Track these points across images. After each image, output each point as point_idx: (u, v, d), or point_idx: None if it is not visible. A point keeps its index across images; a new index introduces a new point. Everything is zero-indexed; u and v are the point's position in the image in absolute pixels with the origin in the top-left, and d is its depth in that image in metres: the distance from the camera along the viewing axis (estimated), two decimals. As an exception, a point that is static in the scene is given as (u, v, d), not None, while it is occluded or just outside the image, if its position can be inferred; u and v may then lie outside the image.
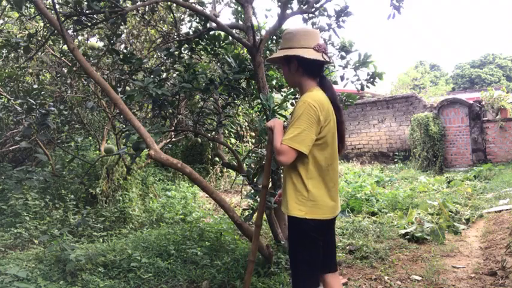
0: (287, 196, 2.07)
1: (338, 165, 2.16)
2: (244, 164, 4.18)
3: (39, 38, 5.01)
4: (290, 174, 2.08)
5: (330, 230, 2.20)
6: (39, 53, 5.88)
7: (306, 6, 4.06)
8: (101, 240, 4.97)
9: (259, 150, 3.62)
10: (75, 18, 3.27)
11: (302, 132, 1.92)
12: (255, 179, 3.36)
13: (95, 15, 3.54)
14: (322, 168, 2.03)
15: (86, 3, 3.20)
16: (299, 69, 2.09)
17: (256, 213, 2.52)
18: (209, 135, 4.31)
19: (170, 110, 3.78)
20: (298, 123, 1.93)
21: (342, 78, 4.35)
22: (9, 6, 4.29)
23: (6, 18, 5.75)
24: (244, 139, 10.34)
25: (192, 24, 4.59)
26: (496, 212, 5.95)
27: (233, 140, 10.09)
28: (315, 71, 2.10)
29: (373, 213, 6.13)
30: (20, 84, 6.15)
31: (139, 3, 3.80)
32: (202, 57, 4.93)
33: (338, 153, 2.15)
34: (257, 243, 2.50)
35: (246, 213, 3.94)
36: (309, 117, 1.92)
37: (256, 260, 3.62)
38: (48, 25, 5.18)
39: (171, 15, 5.00)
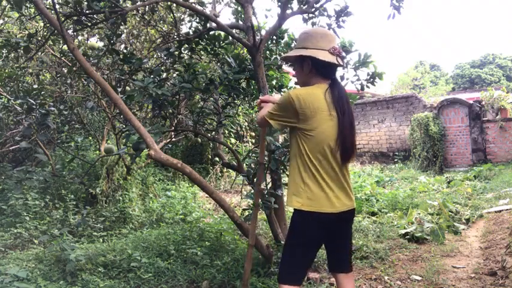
0: (288, 188, 2.13)
1: (343, 164, 2.08)
2: (244, 164, 4.18)
3: (39, 38, 5.01)
4: (291, 168, 2.13)
5: (336, 226, 2.10)
6: (39, 53, 5.88)
7: (306, 6, 4.05)
8: (101, 240, 4.97)
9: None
10: (75, 18, 3.27)
11: (276, 111, 2.10)
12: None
13: (95, 15, 3.54)
14: (317, 163, 2.02)
15: (86, 3, 3.20)
16: (312, 70, 2.10)
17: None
18: (209, 135, 4.31)
19: (170, 110, 3.78)
20: (275, 105, 2.14)
21: (342, 78, 4.34)
22: (9, 6, 4.30)
23: (6, 18, 5.75)
24: (244, 139, 10.35)
25: (192, 24, 4.59)
26: (496, 212, 5.95)
27: (233, 140, 10.10)
28: (327, 73, 2.10)
29: (373, 213, 6.13)
30: (20, 84, 6.15)
31: (139, 3, 3.80)
32: (202, 57, 4.93)
33: (346, 155, 2.05)
34: (255, 225, 2.53)
35: (246, 213, 3.94)
36: (283, 105, 2.06)
37: (256, 260, 3.63)
38: (48, 25, 5.18)
39: (171, 15, 4.99)
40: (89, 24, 3.55)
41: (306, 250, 2.07)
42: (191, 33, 3.98)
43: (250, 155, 4.11)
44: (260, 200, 3.47)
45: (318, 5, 4.09)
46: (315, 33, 2.12)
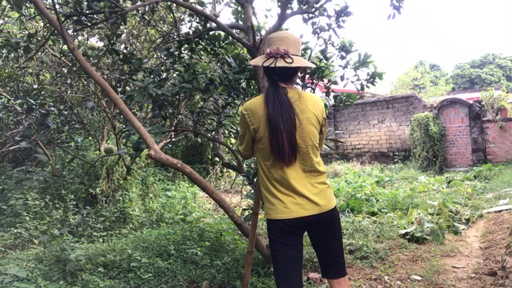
0: None
1: (293, 169, 2.02)
2: (244, 164, 4.18)
3: (39, 38, 5.01)
4: None
5: (310, 231, 2.10)
6: (39, 53, 5.88)
7: (306, 6, 4.05)
8: (101, 240, 4.97)
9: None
10: (75, 18, 3.27)
11: (240, 134, 2.18)
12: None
13: (95, 15, 3.54)
14: (267, 171, 2.06)
15: (86, 3, 3.20)
16: (265, 77, 2.15)
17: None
18: (209, 135, 4.31)
19: (170, 110, 3.78)
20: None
21: (342, 78, 4.33)
22: (9, 6, 4.29)
23: (6, 18, 5.75)
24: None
25: (192, 24, 4.59)
26: (496, 212, 5.95)
27: (233, 140, 10.08)
28: (269, 77, 2.06)
29: (373, 213, 6.13)
30: (20, 84, 6.15)
31: (139, 3, 3.79)
32: (202, 57, 4.92)
33: (284, 158, 1.99)
34: (255, 232, 2.53)
35: (246, 213, 3.94)
36: (240, 122, 2.14)
37: (256, 260, 3.63)
38: (48, 25, 5.18)
39: (171, 15, 4.99)
40: (89, 24, 3.55)
41: (277, 255, 2.06)
42: (191, 33, 3.98)
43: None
44: (261, 201, 3.47)
45: (318, 5, 4.08)
46: (266, 39, 2.12)
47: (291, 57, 1.99)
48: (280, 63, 1.98)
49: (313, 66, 2.25)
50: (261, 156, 2.09)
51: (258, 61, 2.07)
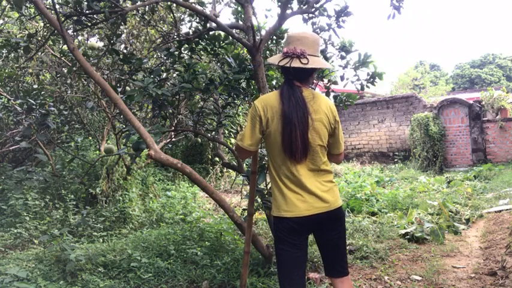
0: None
1: (303, 167, 2.03)
2: (244, 164, 4.18)
3: (39, 38, 5.01)
4: None
5: (317, 229, 2.11)
6: (39, 53, 5.87)
7: (306, 6, 4.05)
8: (101, 240, 4.97)
9: (260, 150, 3.61)
10: (75, 18, 3.27)
11: (245, 129, 2.10)
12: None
13: (95, 15, 3.54)
14: (277, 168, 2.07)
15: (86, 3, 3.20)
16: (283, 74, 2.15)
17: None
18: (209, 135, 4.31)
19: (170, 110, 3.78)
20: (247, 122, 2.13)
21: (342, 78, 4.34)
22: (9, 6, 4.29)
23: (6, 18, 5.75)
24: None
25: (192, 24, 4.59)
26: (496, 212, 5.95)
27: (233, 140, 10.09)
28: (284, 75, 2.09)
29: (373, 213, 6.13)
30: (20, 84, 6.15)
31: (139, 3, 3.79)
32: (202, 57, 4.92)
33: (294, 155, 2.00)
34: (250, 232, 2.55)
35: (246, 213, 3.94)
36: (250, 116, 2.07)
37: (256, 260, 3.63)
38: (48, 25, 5.18)
39: (171, 15, 4.99)
40: (89, 24, 3.55)
41: (283, 254, 2.07)
42: (191, 33, 3.98)
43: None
44: (260, 200, 3.48)
45: (318, 5, 4.08)
46: (286, 37, 2.14)
47: (306, 58, 2.00)
48: (296, 63, 1.99)
49: (330, 67, 2.25)
50: (271, 153, 2.09)
51: (274, 60, 2.08)
